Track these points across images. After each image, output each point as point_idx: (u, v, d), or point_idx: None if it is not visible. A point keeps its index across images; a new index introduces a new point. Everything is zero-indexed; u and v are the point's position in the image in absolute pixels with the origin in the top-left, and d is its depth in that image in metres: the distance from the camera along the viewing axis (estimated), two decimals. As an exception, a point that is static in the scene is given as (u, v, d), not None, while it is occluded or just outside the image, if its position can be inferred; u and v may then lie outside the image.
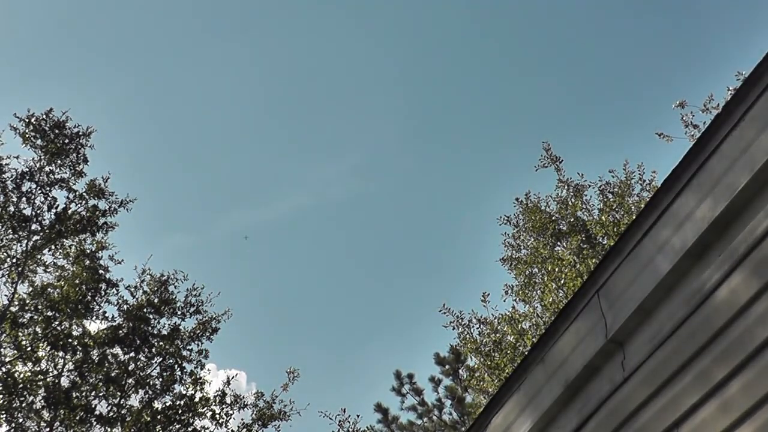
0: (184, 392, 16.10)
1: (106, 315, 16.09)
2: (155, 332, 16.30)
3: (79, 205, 16.28)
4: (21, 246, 15.68)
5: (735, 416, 2.36)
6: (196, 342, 16.75)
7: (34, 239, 15.80)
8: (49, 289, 15.64)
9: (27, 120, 15.96)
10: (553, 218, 16.92)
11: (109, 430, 15.14)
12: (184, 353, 16.49)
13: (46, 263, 16.47)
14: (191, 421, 15.79)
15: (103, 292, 16.16)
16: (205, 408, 16.05)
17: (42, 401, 14.72)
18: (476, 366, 17.03)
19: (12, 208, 15.51)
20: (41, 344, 15.16)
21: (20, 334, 15.06)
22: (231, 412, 16.31)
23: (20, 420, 14.47)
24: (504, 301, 25.09)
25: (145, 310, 16.36)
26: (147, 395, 15.78)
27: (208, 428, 15.97)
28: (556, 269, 15.83)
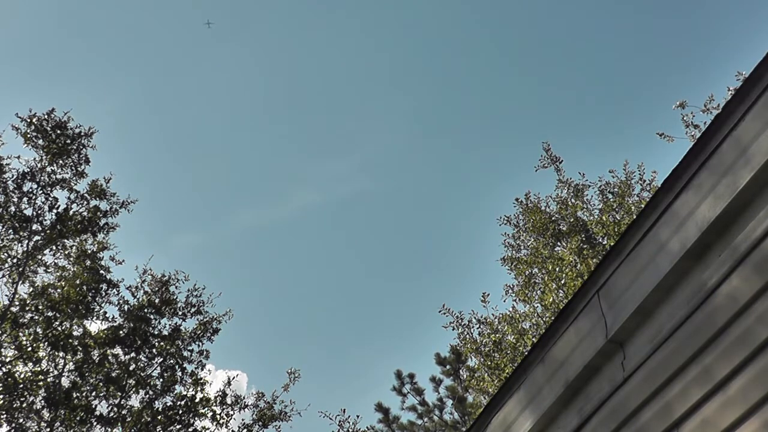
0: (184, 393, 16.09)
1: (107, 315, 16.09)
2: (156, 332, 16.29)
3: (80, 206, 16.28)
4: (22, 246, 15.67)
5: (736, 416, 2.36)
6: (197, 342, 16.75)
7: (35, 239, 15.79)
8: (49, 290, 15.62)
9: (29, 120, 15.92)
10: (553, 218, 16.91)
11: (109, 430, 15.12)
12: (185, 354, 16.49)
13: (47, 263, 16.45)
14: (192, 422, 15.78)
15: (103, 293, 16.16)
16: (206, 408, 16.04)
17: (42, 401, 14.70)
18: (476, 366, 17.02)
19: (13, 208, 15.49)
20: (42, 344, 15.13)
21: (21, 334, 15.04)
22: (231, 412, 16.31)
23: (20, 420, 14.45)
24: (504, 301, 25.19)
25: (145, 310, 16.35)
26: (147, 396, 15.76)
27: (208, 429, 15.97)
28: (557, 269, 15.82)
